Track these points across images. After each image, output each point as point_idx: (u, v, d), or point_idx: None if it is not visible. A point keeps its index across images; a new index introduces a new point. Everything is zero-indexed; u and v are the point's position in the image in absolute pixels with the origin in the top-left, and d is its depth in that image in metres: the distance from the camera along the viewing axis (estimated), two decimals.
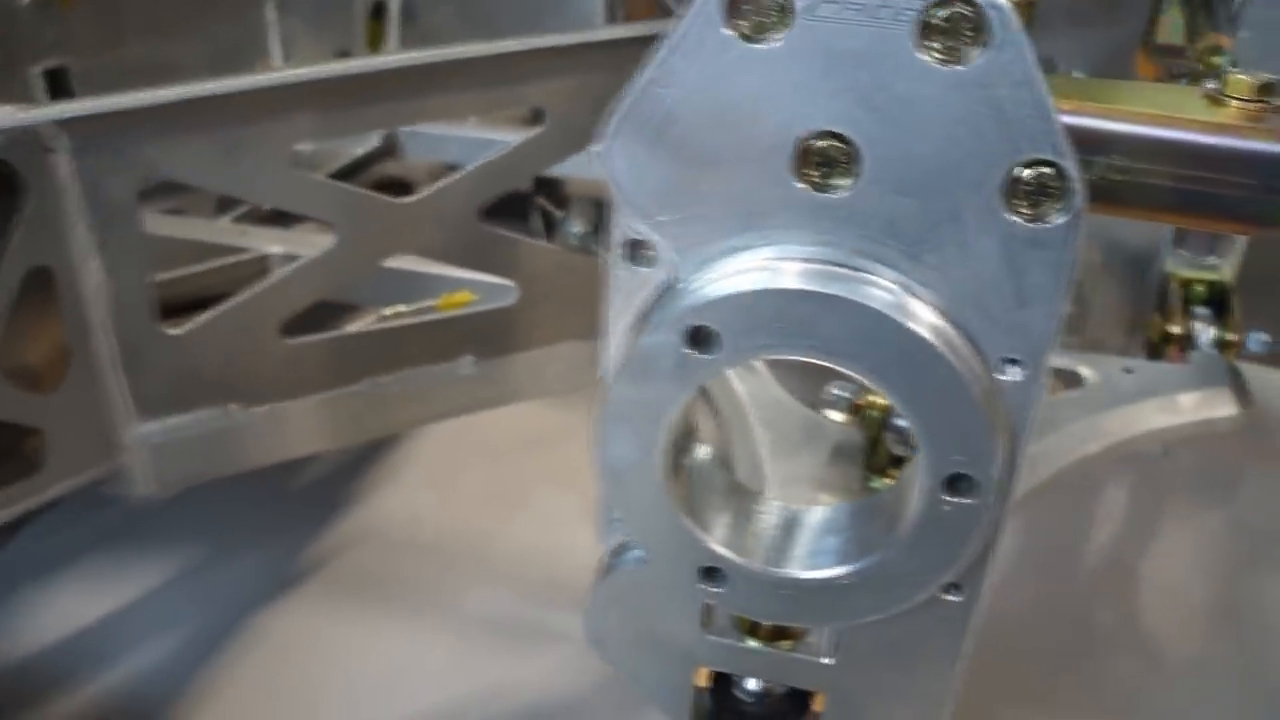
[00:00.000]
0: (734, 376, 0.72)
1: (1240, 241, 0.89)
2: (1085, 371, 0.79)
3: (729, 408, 0.71)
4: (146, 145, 0.74)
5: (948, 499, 0.43)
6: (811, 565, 0.47)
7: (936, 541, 0.45)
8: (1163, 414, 0.77)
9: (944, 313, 0.41)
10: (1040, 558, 1.25)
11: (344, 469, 1.37)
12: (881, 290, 0.41)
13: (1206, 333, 0.86)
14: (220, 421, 0.86)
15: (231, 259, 1.10)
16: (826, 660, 0.53)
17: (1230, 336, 0.85)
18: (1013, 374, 0.42)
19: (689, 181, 0.41)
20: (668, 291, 0.43)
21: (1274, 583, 1.22)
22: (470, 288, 1.01)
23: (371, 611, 1.15)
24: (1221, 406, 0.79)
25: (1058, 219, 0.39)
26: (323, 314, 1.00)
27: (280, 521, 1.28)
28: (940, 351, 0.41)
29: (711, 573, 0.48)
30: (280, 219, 1.23)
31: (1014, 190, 0.39)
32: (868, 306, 0.40)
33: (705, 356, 0.42)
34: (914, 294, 0.41)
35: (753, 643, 0.54)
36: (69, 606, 1.14)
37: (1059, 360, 0.80)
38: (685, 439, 0.48)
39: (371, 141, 1.43)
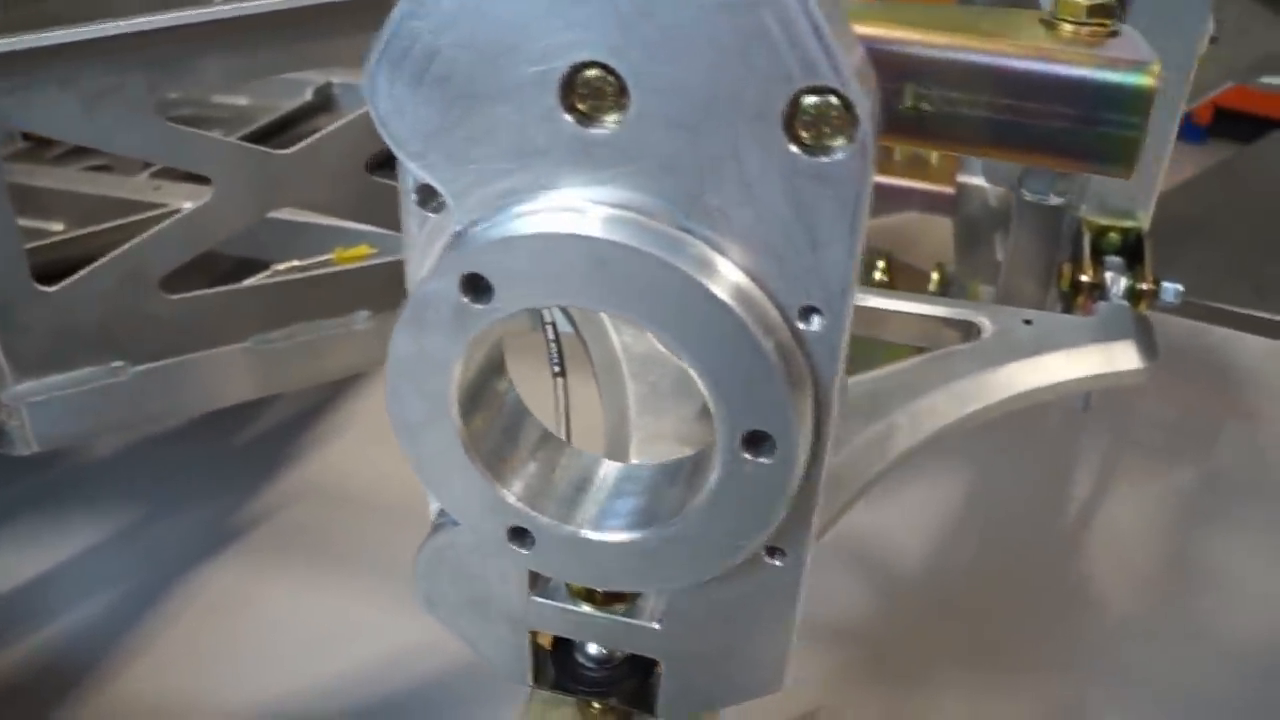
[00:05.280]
0: (610, 327, 0.69)
1: (1154, 189, 0.86)
2: (984, 321, 0.76)
3: (602, 359, 0.68)
4: None
5: (748, 458, 0.41)
6: (601, 526, 0.44)
7: (740, 504, 0.42)
8: (1061, 367, 0.74)
9: (731, 258, 0.38)
10: (994, 514, 1.25)
11: (287, 425, 1.38)
12: (656, 234, 0.38)
13: (1118, 282, 0.83)
14: (103, 379, 0.84)
15: (142, 215, 1.07)
16: (655, 625, 0.50)
17: (1142, 286, 0.82)
18: (813, 322, 0.39)
19: (455, 120, 0.38)
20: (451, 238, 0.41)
21: (1229, 542, 1.22)
22: (372, 241, 0.98)
23: (309, 568, 1.15)
24: (1125, 359, 0.75)
25: (840, 152, 0.36)
26: (242, 273, 0.98)
27: (221, 478, 1.29)
28: (724, 301, 0.38)
29: (519, 532, 0.46)
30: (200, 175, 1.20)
31: (794, 121, 0.36)
32: (641, 250, 0.37)
33: (480, 306, 0.39)
34: (696, 237, 0.38)
35: (585, 607, 0.51)
36: (4, 563, 1.14)
37: (958, 311, 0.77)
38: (483, 385, 0.45)
39: (305, 96, 1.40)
